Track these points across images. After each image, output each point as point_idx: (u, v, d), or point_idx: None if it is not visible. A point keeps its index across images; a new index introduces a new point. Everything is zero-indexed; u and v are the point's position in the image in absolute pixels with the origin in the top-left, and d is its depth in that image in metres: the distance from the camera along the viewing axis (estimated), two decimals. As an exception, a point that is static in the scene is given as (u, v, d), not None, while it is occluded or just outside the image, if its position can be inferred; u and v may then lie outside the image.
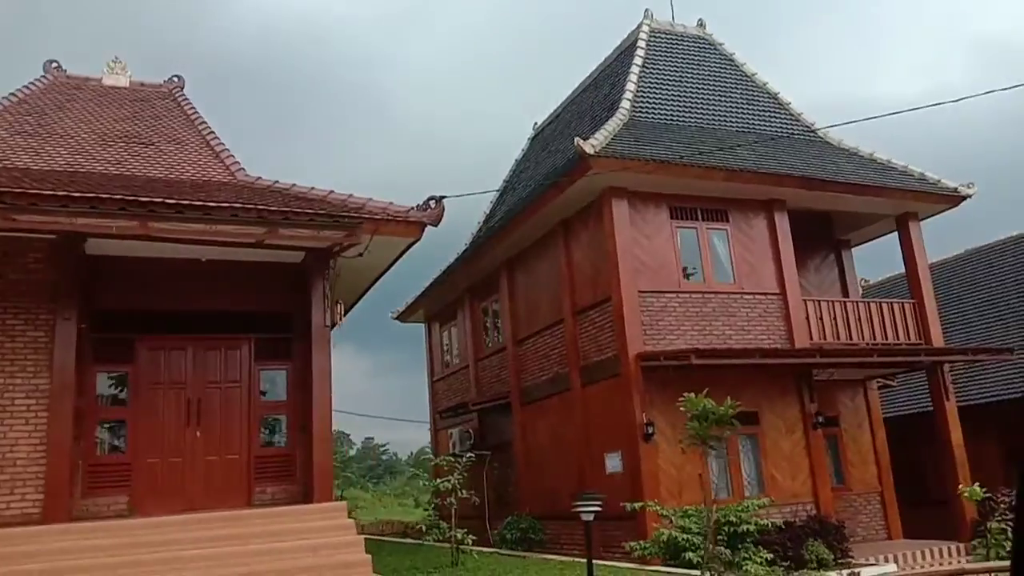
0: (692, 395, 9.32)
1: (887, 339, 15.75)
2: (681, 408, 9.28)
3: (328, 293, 11.47)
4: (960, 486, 15.36)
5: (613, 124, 14.77)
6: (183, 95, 16.57)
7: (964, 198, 16.65)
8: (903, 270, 17.77)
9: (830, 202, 15.94)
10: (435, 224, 11.18)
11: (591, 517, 8.06)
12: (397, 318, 23.73)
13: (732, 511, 10.38)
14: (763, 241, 15.21)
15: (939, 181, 16.75)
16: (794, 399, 14.59)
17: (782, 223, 15.32)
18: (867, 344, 15.56)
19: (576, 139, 13.18)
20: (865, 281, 28.03)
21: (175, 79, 17.00)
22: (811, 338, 14.97)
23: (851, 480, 16.74)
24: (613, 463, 13.83)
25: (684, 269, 14.49)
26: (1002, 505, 15.02)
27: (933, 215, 17.17)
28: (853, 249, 18.80)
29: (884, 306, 16.17)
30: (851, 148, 17.58)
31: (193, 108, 15.83)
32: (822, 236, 18.10)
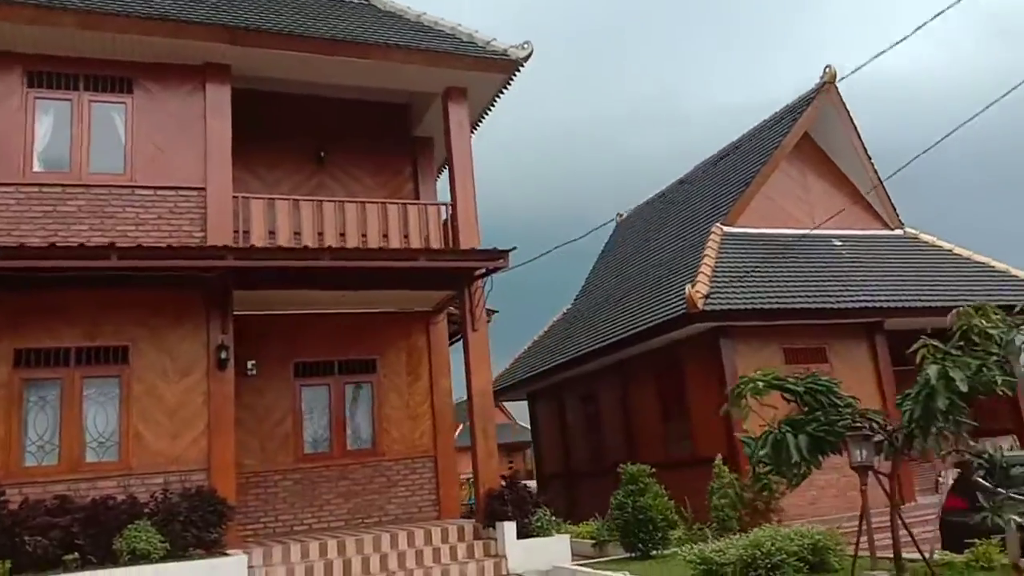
0: None
1: (389, 245, 11.67)
2: None
3: None
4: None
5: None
6: None
7: (516, 63, 12.48)
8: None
9: (311, 71, 11.87)
10: None
11: None
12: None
13: None
14: (188, 120, 11.06)
15: (489, 42, 12.60)
16: (207, 329, 10.51)
17: (218, 97, 11.18)
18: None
19: None
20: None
21: None
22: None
23: (386, 443, 12.75)
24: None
25: (39, 153, 10.46)
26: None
27: (493, 93, 13.03)
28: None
29: (393, 208, 12.03)
30: (398, 10, 13.45)
31: None
32: (399, 134, 14.11)
